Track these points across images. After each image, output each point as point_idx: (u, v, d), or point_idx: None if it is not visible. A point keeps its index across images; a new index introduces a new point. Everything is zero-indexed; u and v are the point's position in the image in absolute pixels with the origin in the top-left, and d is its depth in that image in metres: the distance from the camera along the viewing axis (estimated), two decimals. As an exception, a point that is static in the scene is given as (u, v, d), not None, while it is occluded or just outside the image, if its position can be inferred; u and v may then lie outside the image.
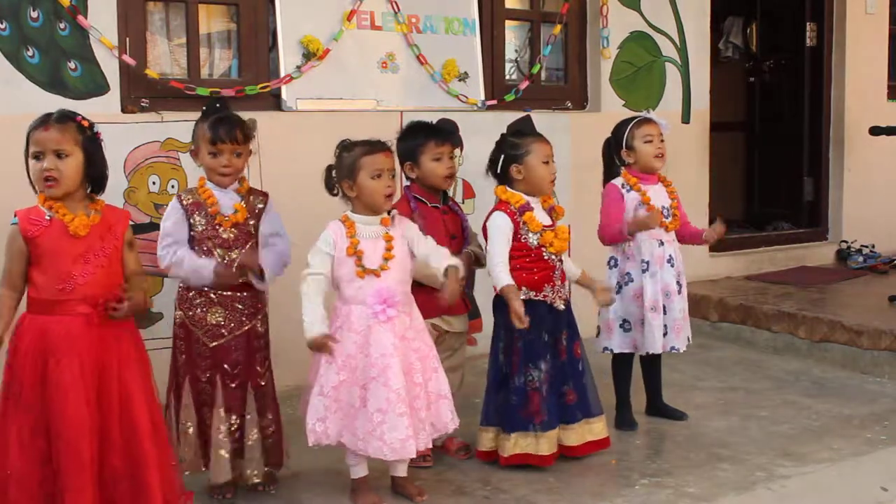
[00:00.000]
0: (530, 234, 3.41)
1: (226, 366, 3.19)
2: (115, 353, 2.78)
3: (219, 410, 3.17)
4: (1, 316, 2.74)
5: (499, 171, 3.48)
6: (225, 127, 3.18)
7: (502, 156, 3.47)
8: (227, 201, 3.22)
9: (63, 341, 2.70)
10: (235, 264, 3.16)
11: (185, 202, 3.20)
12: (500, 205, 3.45)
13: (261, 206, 3.28)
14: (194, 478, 3.20)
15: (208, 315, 3.18)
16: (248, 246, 3.22)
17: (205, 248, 3.18)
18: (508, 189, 3.46)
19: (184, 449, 3.19)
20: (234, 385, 3.20)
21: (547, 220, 3.48)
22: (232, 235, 3.20)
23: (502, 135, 3.55)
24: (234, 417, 3.20)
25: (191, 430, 3.19)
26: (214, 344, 3.18)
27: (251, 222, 3.24)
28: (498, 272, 3.35)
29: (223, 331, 3.19)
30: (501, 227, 3.39)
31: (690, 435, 3.88)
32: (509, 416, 3.44)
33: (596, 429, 3.54)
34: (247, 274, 3.17)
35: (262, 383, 3.26)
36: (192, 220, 3.18)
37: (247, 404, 3.22)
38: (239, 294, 3.21)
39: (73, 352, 2.70)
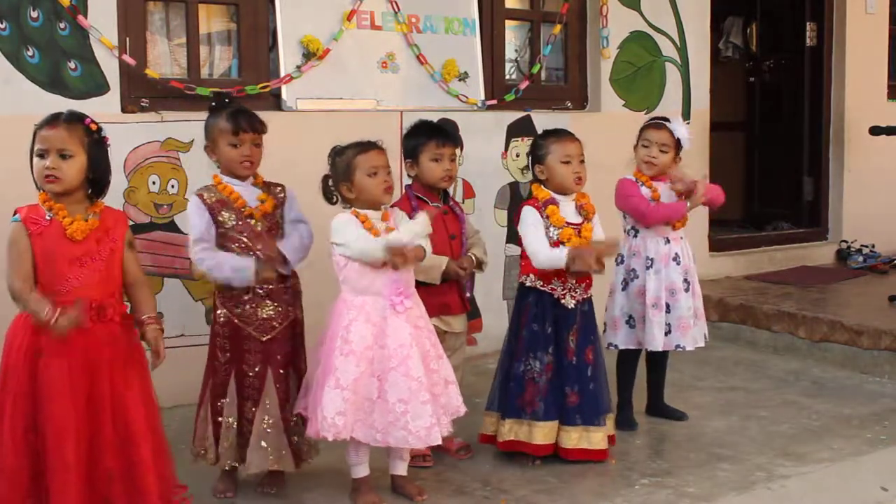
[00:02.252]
0: (551, 228, 3.46)
1: (278, 356, 3.23)
2: (107, 356, 2.77)
3: (265, 402, 3.19)
4: (42, 300, 2.69)
5: (531, 171, 3.61)
6: (245, 117, 3.20)
7: (530, 157, 3.60)
8: (249, 194, 3.22)
9: (55, 342, 2.69)
10: (262, 258, 3.17)
11: (208, 201, 3.18)
12: (528, 200, 3.57)
13: (281, 195, 3.30)
14: (195, 478, 3.20)
15: (259, 310, 3.19)
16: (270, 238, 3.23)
17: (241, 245, 3.17)
18: (540, 187, 3.55)
19: (222, 444, 3.20)
20: (284, 374, 3.24)
21: (576, 218, 3.52)
22: (266, 227, 3.22)
23: (536, 135, 3.70)
24: (287, 406, 3.23)
25: (234, 425, 3.20)
26: (267, 338, 3.21)
27: (277, 211, 3.26)
28: (549, 257, 3.40)
29: (274, 323, 3.21)
30: (531, 220, 3.48)
31: (690, 435, 3.88)
32: (507, 403, 3.52)
33: (594, 438, 3.52)
34: (275, 266, 3.18)
35: (302, 366, 3.31)
36: (219, 218, 3.17)
37: (291, 391, 3.26)
38: (283, 286, 3.24)
39: (63, 353, 2.70)
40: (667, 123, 3.95)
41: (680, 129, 3.93)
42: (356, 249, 3.07)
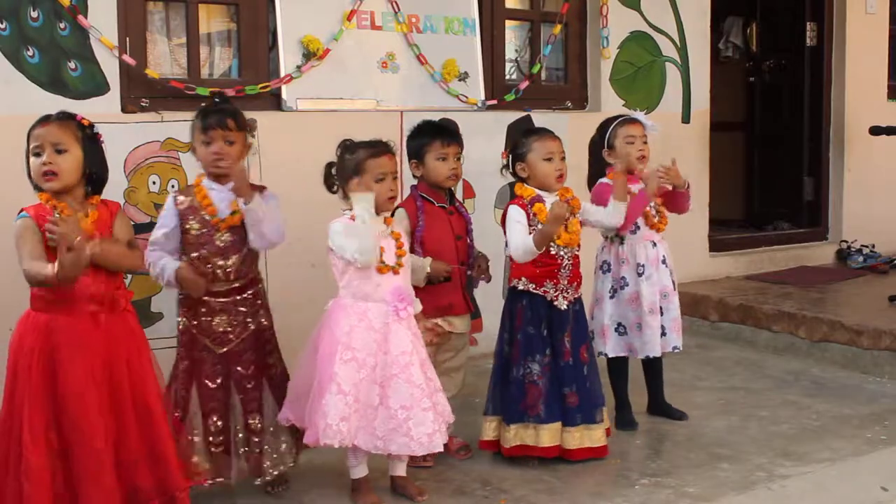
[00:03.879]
0: (539, 226, 3.44)
1: (239, 368, 3.16)
2: (124, 345, 2.81)
3: (235, 413, 3.15)
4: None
5: (512, 169, 3.58)
6: (215, 115, 3.12)
7: (511, 155, 3.58)
8: (224, 201, 3.13)
9: (72, 340, 2.72)
10: (230, 187, 3.07)
11: (180, 206, 3.12)
12: (514, 199, 3.54)
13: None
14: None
15: (213, 323, 3.13)
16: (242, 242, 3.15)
17: (200, 255, 3.12)
18: (524, 185, 3.54)
19: (191, 459, 3.13)
20: (250, 385, 3.18)
21: None
22: (228, 242, 3.13)
23: (516, 134, 3.66)
24: (254, 417, 3.17)
25: (197, 438, 3.11)
26: (224, 350, 3.15)
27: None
28: (522, 248, 3.38)
29: (231, 336, 3.15)
30: (516, 217, 3.46)
31: (690, 435, 3.88)
32: (509, 408, 3.49)
33: (595, 435, 3.53)
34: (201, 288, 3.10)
35: (275, 372, 3.26)
36: (187, 226, 3.12)
37: (263, 400, 3.20)
38: (238, 297, 3.17)
39: (82, 351, 2.72)
40: (635, 116, 3.95)
41: (644, 118, 3.94)
42: (352, 250, 3.02)
